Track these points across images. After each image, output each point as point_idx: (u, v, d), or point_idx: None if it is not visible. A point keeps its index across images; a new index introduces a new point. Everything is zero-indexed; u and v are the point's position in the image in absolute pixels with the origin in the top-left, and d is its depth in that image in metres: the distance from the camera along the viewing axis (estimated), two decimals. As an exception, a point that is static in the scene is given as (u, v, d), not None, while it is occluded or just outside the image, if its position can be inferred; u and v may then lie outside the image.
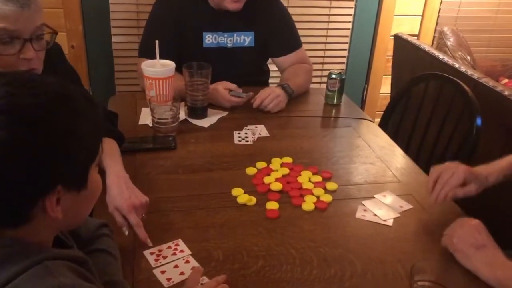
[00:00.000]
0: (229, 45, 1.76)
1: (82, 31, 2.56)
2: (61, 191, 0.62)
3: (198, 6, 1.71)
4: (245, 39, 1.77)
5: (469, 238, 0.94)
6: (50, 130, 0.60)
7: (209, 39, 1.73)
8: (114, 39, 2.61)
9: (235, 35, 1.75)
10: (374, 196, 1.19)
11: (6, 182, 0.58)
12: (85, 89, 1.29)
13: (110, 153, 1.12)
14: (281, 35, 1.82)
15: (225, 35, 1.74)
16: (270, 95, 1.61)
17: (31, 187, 0.59)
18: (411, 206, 1.16)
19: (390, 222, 1.09)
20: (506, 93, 1.74)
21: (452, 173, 1.08)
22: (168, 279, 0.90)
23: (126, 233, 0.99)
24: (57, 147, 0.60)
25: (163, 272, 0.91)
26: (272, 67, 2.01)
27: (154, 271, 0.92)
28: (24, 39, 0.99)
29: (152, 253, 0.96)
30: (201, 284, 0.86)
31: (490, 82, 1.83)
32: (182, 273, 0.91)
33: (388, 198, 1.19)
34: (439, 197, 1.08)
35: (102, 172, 1.06)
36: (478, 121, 1.48)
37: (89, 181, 0.67)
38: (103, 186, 0.82)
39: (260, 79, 1.92)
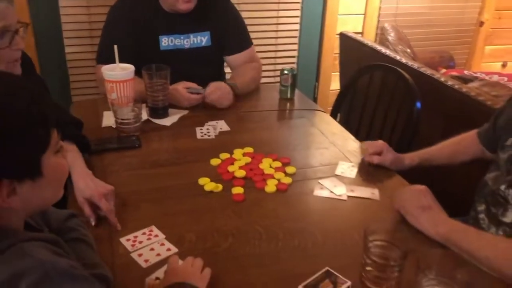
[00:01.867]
0: (186, 46, 1.82)
1: (34, 43, 2.55)
2: (12, 182, 0.65)
3: (152, 11, 1.77)
4: (201, 39, 1.84)
5: (416, 201, 1.07)
6: None
7: (166, 42, 1.79)
8: (67, 49, 2.62)
9: (191, 36, 1.82)
10: (328, 175, 1.30)
11: None
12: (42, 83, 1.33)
13: (70, 155, 1.18)
14: (233, 35, 1.90)
15: (182, 37, 1.81)
16: (215, 90, 1.69)
17: None
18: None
19: (344, 197, 1.20)
20: (443, 79, 1.91)
21: (373, 145, 1.35)
22: (146, 260, 0.96)
23: (93, 223, 1.06)
24: None
25: (140, 255, 0.98)
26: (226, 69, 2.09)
27: (132, 254, 0.98)
28: (13, 31, 1.08)
29: (128, 240, 1.02)
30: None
31: (428, 71, 2.01)
32: (158, 254, 0.98)
33: (340, 176, 1.30)
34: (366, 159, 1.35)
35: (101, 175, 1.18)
36: (418, 104, 1.63)
37: (45, 169, 0.69)
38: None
39: (219, 80, 1.99)
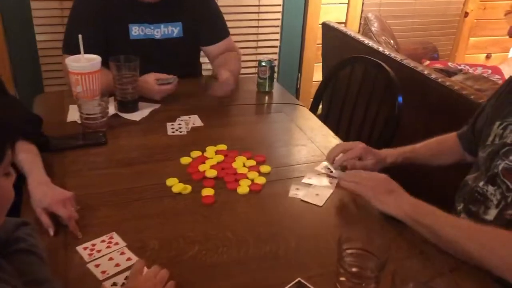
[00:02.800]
0: (157, 36, 1.73)
1: (2, 32, 2.43)
2: None
3: None
4: (173, 30, 1.75)
5: (381, 186, 1.06)
6: None
7: (136, 30, 1.70)
8: (38, 38, 2.50)
9: (162, 26, 1.73)
10: (306, 175, 1.23)
11: None
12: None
13: (28, 158, 1.10)
14: (209, 24, 1.82)
15: (152, 27, 1.72)
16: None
17: None
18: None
19: (320, 201, 1.14)
20: (426, 72, 1.85)
21: (350, 148, 1.24)
22: (103, 272, 0.89)
23: (52, 233, 0.97)
24: None
25: (97, 266, 0.90)
26: (202, 59, 2.00)
27: (88, 265, 0.90)
28: None
29: (85, 248, 0.94)
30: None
31: (411, 63, 1.95)
32: (117, 265, 0.90)
33: (318, 177, 1.23)
34: (335, 164, 1.24)
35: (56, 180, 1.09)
36: (400, 98, 1.57)
37: None
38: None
39: (193, 72, 1.91)
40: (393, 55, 2.05)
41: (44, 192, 1.02)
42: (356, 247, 0.89)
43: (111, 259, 0.92)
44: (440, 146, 1.31)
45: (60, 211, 0.98)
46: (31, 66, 2.55)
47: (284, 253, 0.96)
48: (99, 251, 0.94)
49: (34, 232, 0.88)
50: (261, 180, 1.20)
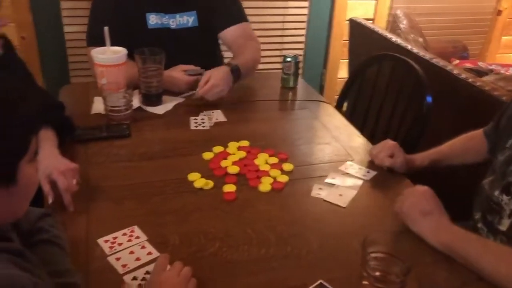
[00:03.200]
0: (172, 26, 1.72)
1: (32, 22, 2.46)
2: None
3: None
4: (188, 19, 1.73)
5: (416, 205, 0.99)
6: None
7: (153, 19, 1.69)
8: (66, 29, 2.53)
9: (177, 16, 1.71)
10: (329, 174, 1.21)
11: None
12: (28, 77, 1.25)
13: (45, 137, 1.13)
14: (224, 8, 1.77)
15: (167, 17, 1.70)
16: (208, 84, 1.52)
17: None
18: (362, 181, 1.19)
19: (344, 202, 1.11)
20: (455, 72, 1.80)
21: (382, 146, 1.24)
22: (124, 265, 0.88)
23: (50, 200, 1.00)
24: None
25: (118, 259, 0.90)
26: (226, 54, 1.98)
27: (109, 258, 0.90)
28: None
29: (106, 241, 0.94)
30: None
31: (440, 62, 1.89)
32: (138, 259, 0.90)
33: (342, 177, 1.21)
34: (376, 162, 1.24)
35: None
36: (428, 98, 1.52)
37: (20, 177, 0.64)
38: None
39: (214, 65, 1.89)
40: (421, 53, 1.99)
41: (50, 162, 1.05)
42: (380, 250, 0.86)
43: (131, 252, 0.92)
44: (465, 145, 1.27)
45: (59, 180, 1.01)
46: (59, 58, 2.58)
47: (306, 253, 0.94)
48: (120, 244, 0.94)
49: (56, 223, 0.88)
50: (284, 179, 1.18)
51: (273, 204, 1.10)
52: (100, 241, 0.94)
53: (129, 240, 0.95)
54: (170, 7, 1.70)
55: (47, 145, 1.11)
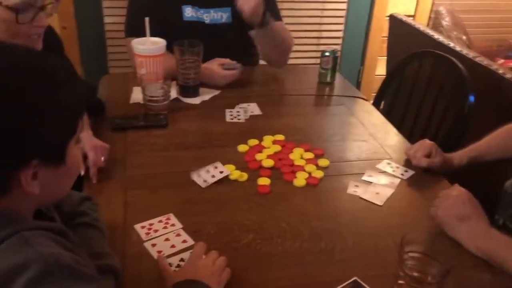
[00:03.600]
0: (206, 21, 1.72)
1: (73, 12, 2.53)
2: (37, 165, 0.61)
3: None
4: (222, 15, 1.73)
5: (452, 209, 0.95)
6: (25, 103, 0.58)
7: (189, 12, 1.70)
8: (106, 20, 2.58)
9: (211, 11, 1.71)
10: (366, 172, 1.19)
11: None
12: (71, 66, 1.28)
13: None
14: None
15: (202, 11, 1.71)
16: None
17: (5, 160, 0.58)
18: (399, 180, 1.17)
19: (380, 200, 1.09)
20: (500, 71, 1.73)
21: (419, 146, 1.22)
22: (159, 252, 0.90)
23: (82, 173, 1.07)
24: (32, 120, 0.59)
25: (154, 245, 0.91)
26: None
27: (145, 244, 0.92)
28: (38, 7, 1.02)
29: (143, 227, 0.96)
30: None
31: (484, 61, 1.82)
32: (173, 246, 0.91)
33: (379, 175, 1.18)
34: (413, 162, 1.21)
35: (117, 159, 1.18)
36: (471, 98, 1.47)
37: (68, 157, 0.65)
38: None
39: (251, 60, 1.88)
40: (464, 51, 1.93)
41: (85, 139, 1.13)
42: (418, 250, 0.84)
43: (167, 239, 0.93)
44: (504, 138, 1.21)
45: (90, 154, 1.10)
46: (98, 48, 2.64)
47: (340, 250, 0.93)
48: (156, 231, 0.95)
49: (96, 207, 0.90)
50: (319, 174, 1.17)
51: (307, 199, 1.09)
52: (137, 227, 0.96)
53: (165, 227, 0.96)
54: (206, 1, 1.70)
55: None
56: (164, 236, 0.94)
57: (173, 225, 0.97)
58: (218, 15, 1.73)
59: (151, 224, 0.97)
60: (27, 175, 0.60)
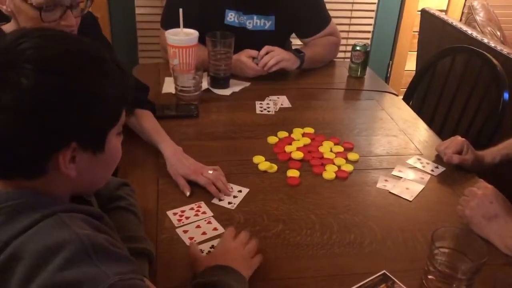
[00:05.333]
0: (249, 27, 1.73)
1: (107, 3, 2.57)
2: (76, 149, 0.62)
3: None
4: (265, 22, 1.74)
5: (480, 209, 0.94)
6: (74, 87, 0.59)
7: (231, 17, 1.71)
8: (137, 10, 2.62)
9: (255, 17, 1.72)
10: (396, 167, 1.19)
11: (23, 132, 0.58)
12: (118, 58, 1.31)
13: (155, 129, 1.22)
14: (308, 18, 1.76)
15: (245, 17, 1.71)
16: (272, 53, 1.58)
17: (46, 139, 0.59)
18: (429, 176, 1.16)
19: (410, 196, 1.09)
20: (536, 69, 1.69)
21: (450, 142, 1.20)
22: (191, 238, 0.92)
23: (188, 193, 1.05)
24: (78, 104, 0.60)
25: (185, 232, 0.94)
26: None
27: (177, 230, 0.94)
28: (66, 6, 1.02)
29: (175, 214, 0.98)
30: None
31: (520, 58, 1.78)
32: (204, 233, 0.94)
33: (409, 171, 1.18)
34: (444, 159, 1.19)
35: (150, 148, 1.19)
36: (506, 95, 1.45)
37: (107, 146, 0.66)
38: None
39: None
40: (499, 47, 1.89)
41: (180, 161, 1.12)
42: (449, 246, 0.84)
43: (198, 226, 0.95)
44: None
45: (200, 180, 1.07)
46: (129, 37, 2.68)
47: (369, 243, 0.94)
48: (187, 217, 0.97)
49: (133, 192, 0.93)
50: (348, 168, 1.17)
51: (336, 192, 1.09)
52: (169, 213, 0.98)
53: (196, 215, 0.98)
54: (250, 8, 1.70)
55: (165, 139, 1.19)
56: (195, 223, 0.96)
57: (204, 212, 0.99)
58: (261, 22, 1.74)
59: (183, 211, 0.99)
60: (66, 156, 0.61)
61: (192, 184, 1.08)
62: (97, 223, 0.65)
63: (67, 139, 0.61)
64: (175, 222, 0.96)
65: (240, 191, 1.08)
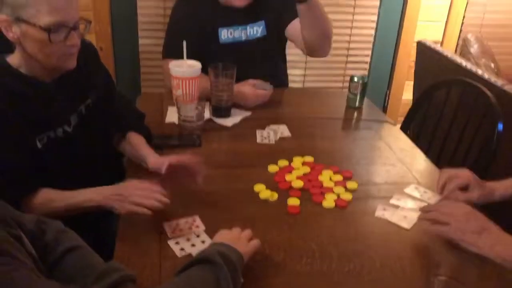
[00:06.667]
0: (243, 38, 1.81)
1: (111, 33, 2.64)
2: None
3: (211, 5, 1.78)
4: (257, 29, 1.82)
5: (468, 227, 0.98)
6: None
7: (225, 34, 1.79)
8: (141, 41, 2.69)
9: (248, 27, 1.80)
10: (394, 196, 1.21)
11: None
12: (108, 76, 1.37)
13: (142, 145, 1.29)
14: (288, 6, 1.73)
15: (239, 28, 1.80)
16: None
17: None
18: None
19: (408, 224, 1.11)
20: (529, 100, 1.74)
21: (456, 176, 1.15)
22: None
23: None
24: None
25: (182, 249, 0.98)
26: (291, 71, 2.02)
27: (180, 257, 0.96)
28: (70, 27, 1.08)
29: (177, 243, 1.00)
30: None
31: (513, 89, 1.83)
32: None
33: (407, 199, 1.21)
34: (444, 196, 1.16)
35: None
36: (500, 126, 1.48)
37: None
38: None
39: (278, 75, 1.94)
40: (493, 79, 1.94)
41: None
42: (446, 274, 0.86)
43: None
44: None
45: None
46: (132, 67, 2.74)
47: (369, 272, 0.95)
48: (188, 239, 1.01)
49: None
50: (348, 196, 1.20)
51: (336, 221, 1.12)
52: (171, 242, 1.00)
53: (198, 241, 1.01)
54: (241, 19, 1.79)
55: (150, 153, 1.26)
56: (195, 249, 0.98)
57: (203, 242, 1.01)
58: (254, 30, 1.82)
59: (188, 239, 1.01)
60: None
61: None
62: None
63: None
64: (178, 252, 0.98)
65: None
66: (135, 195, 1.04)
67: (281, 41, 1.91)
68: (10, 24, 1.05)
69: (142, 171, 1.24)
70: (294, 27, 1.79)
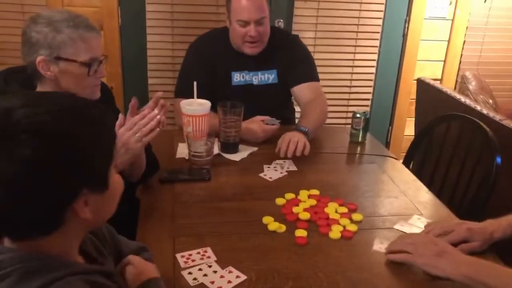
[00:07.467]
0: (255, 83, 1.93)
1: (121, 74, 2.75)
2: (87, 193, 0.67)
3: (224, 49, 1.91)
4: (269, 76, 1.94)
5: (427, 251, 1.04)
6: (73, 143, 0.65)
7: (237, 77, 1.92)
8: (150, 81, 2.79)
9: (259, 73, 1.93)
10: (398, 222, 1.27)
11: (38, 193, 0.63)
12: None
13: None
14: (299, 67, 1.95)
15: (251, 74, 1.92)
16: (291, 141, 1.63)
17: (59, 195, 0.65)
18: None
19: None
20: (527, 134, 1.80)
21: (452, 230, 1.15)
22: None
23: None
24: (77, 155, 0.65)
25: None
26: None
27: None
28: (100, 61, 1.24)
29: (190, 273, 1.04)
30: None
31: (511, 124, 1.90)
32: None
33: (412, 227, 1.25)
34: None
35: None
36: (498, 159, 1.54)
37: (110, 181, 0.73)
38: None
39: (285, 115, 2.02)
40: (491, 114, 2.01)
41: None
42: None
43: (212, 282, 1.01)
44: None
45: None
46: (141, 106, 2.82)
47: (375, 299, 0.99)
48: (200, 270, 1.04)
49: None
50: (353, 228, 1.24)
51: (342, 251, 1.15)
52: (184, 272, 1.04)
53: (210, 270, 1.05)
54: (254, 65, 1.91)
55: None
56: (207, 278, 1.02)
57: (215, 272, 1.05)
58: (265, 77, 1.94)
59: (200, 270, 1.05)
60: (81, 203, 0.67)
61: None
62: (106, 283, 0.71)
63: (78, 188, 0.67)
64: (190, 282, 1.01)
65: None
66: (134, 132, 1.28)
67: (289, 84, 2.00)
68: (47, 63, 1.17)
69: (155, 202, 1.29)
70: (298, 92, 1.95)
